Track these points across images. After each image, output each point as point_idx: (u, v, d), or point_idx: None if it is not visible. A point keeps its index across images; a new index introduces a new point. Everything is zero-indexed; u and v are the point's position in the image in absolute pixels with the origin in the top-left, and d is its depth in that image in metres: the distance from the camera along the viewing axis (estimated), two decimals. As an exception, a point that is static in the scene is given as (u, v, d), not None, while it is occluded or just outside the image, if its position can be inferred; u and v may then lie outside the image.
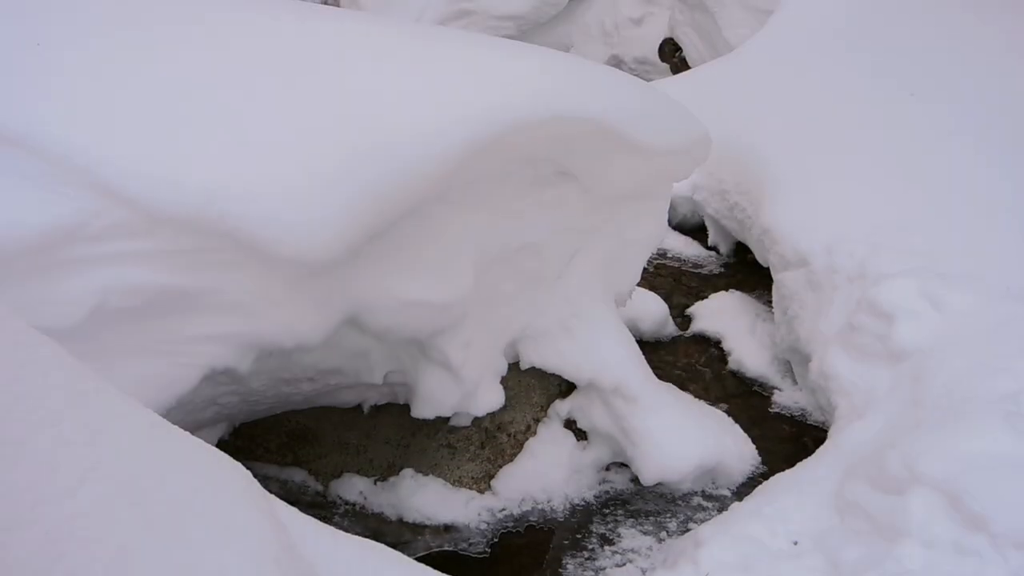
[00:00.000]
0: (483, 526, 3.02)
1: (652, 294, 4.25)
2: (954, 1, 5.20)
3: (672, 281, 4.75)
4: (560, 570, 2.87)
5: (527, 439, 3.23)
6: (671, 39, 7.49)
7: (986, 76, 4.40)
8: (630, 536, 3.01)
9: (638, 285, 3.51)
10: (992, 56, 4.53)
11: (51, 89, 2.03)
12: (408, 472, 3.08)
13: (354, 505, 3.05)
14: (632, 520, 3.08)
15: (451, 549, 2.95)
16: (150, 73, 2.14)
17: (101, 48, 2.17)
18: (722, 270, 4.88)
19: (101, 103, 2.03)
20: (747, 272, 4.69)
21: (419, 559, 2.35)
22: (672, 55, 7.56)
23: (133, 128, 2.01)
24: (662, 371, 3.69)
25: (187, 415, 2.47)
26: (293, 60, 2.32)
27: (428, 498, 3.02)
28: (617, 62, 8.27)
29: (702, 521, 3.00)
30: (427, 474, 3.09)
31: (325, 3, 10.91)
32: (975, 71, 4.46)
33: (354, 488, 3.07)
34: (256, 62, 2.28)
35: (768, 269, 4.04)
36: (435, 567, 1.88)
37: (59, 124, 1.96)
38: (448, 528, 2.99)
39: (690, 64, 7.16)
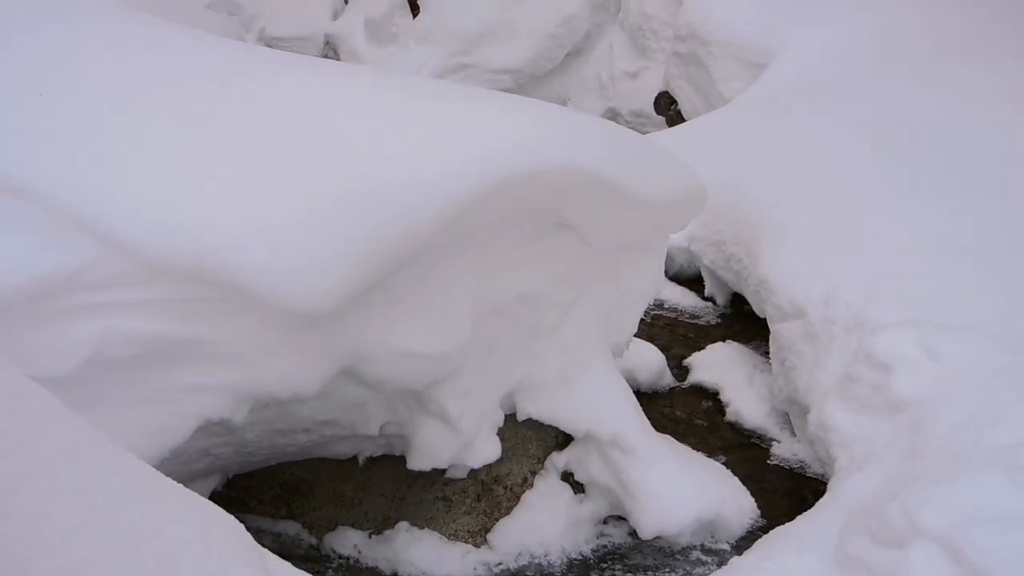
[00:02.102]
0: (479, 581, 2.97)
1: (649, 345, 4.24)
2: (948, 52, 5.29)
3: (669, 332, 4.74)
4: (557, 626, 2.83)
5: (524, 492, 3.20)
6: (666, 92, 7.59)
7: (979, 126, 4.46)
8: (629, 591, 2.97)
9: (635, 336, 3.51)
10: (985, 105, 4.60)
11: (52, 138, 2.05)
12: (403, 525, 3.04)
13: (348, 559, 3.01)
14: (631, 575, 3.04)
15: (447, 604, 2.90)
16: (150, 123, 2.16)
17: (102, 98, 2.20)
18: (719, 321, 4.88)
19: (101, 152, 2.05)
20: (744, 323, 4.70)
21: (414, 615, 2.31)
22: (668, 108, 7.65)
23: (132, 177, 2.02)
24: (660, 422, 3.66)
25: (180, 466, 2.45)
26: (292, 112, 2.35)
27: (423, 552, 2.97)
28: (613, 115, 8.37)
29: (701, 576, 2.96)
30: (422, 527, 3.05)
31: (325, 57, 11.07)
32: (968, 121, 4.52)
33: (348, 542, 3.03)
34: (256, 113, 2.31)
35: (765, 320, 4.05)
36: (430, 623, 1.85)
37: (59, 173, 1.98)
38: (444, 583, 2.94)
39: (685, 117, 7.25)
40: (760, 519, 3.27)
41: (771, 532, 2.87)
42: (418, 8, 9.53)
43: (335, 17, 11.93)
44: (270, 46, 11.49)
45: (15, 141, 2.01)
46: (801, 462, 3.63)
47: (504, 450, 3.01)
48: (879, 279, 3.55)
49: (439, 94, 2.71)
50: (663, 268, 3.39)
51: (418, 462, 2.82)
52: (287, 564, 1.60)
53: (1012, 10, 5.68)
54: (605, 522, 3.23)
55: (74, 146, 2.04)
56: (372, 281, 2.19)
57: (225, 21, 5.56)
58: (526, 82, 9.04)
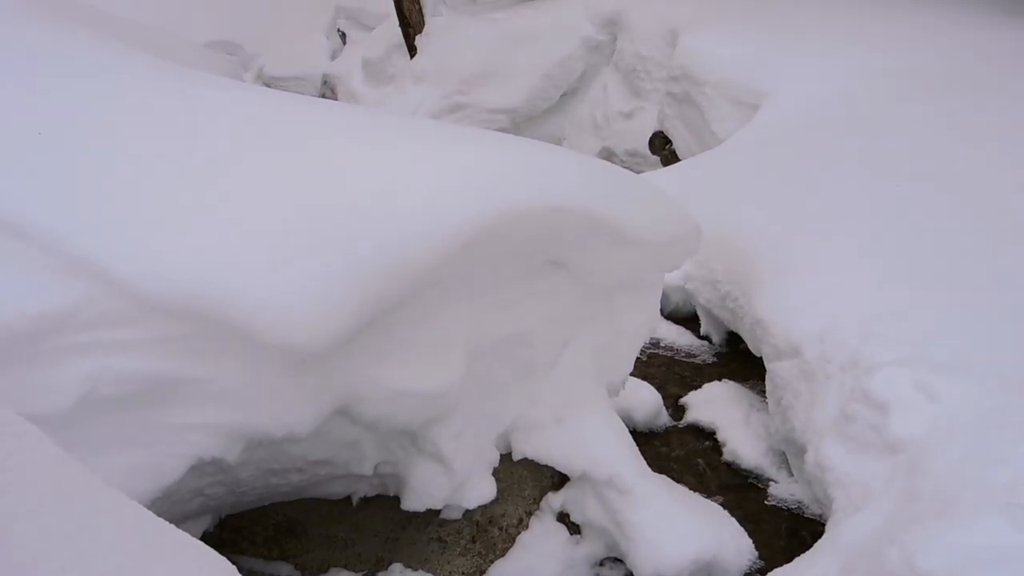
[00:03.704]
0: (474, 624, 2.93)
1: (645, 384, 4.23)
2: (940, 91, 5.35)
3: (665, 371, 4.73)
4: (553, 671, 2.78)
5: (519, 533, 3.17)
6: (661, 132, 7.65)
7: (973, 164, 4.49)
8: (625, 634, 2.93)
9: (631, 374, 3.50)
10: (978, 144, 4.64)
11: (49, 176, 2.05)
12: (397, 567, 3.01)
13: (341, 601, 2.97)
14: (627, 617, 3.00)
15: (441, 648, 2.86)
16: (146, 162, 2.17)
17: (99, 137, 2.21)
18: (715, 360, 4.88)
19: (97, 190, 2.06)
20: (740, 362, 4.69)
21: (407, 659, 2.28)
22: (662, 147, 7.71)
23: (128, 215, 2.03)
24: (656, 462, 3.64)
25: (172, 506, 2.43)
26: (288, 150, 2.36)
27: (417, 594, 2.94)
28: (608, 154, 8.43)
29: (699, 618, 2.92)
30: (416, 569, 3.01)
31: (323, 96, 11.17)
32: (962, 160, 4.55)
33: (341, 583, 3.00)
34: (251, 151, 2.32)
35: (761, 359, 4.04)
36: (424, 668, 1.82)
37: (55, 211, 1.98)
38: (438, 626, 2.90)
39: (680, 156, 7.30)
40: (758, 561, 3.24)
41: (769, 574, 2.84)
42: (415, 49, 9.64)
43: (333, 57, 12.07)
44: (268, 86, 11.59)
45: (12, 179, 2.02)
46: (799, 503, 3.61)
47: (499, 490, 2.99)
48: (874, 317, 3.56)
49: (434, 134, 2.74)
50: (659, 307, 3.39)
51: (412, 503, 2.79)
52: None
53: (1003, 50, 5.75)
54: (601, 564, 3.20)
55: (70, 184, 2.05)
56: (367, 319, 2.19)
57: (224, 61, 5.62)
58: (522, 122, 9.11)
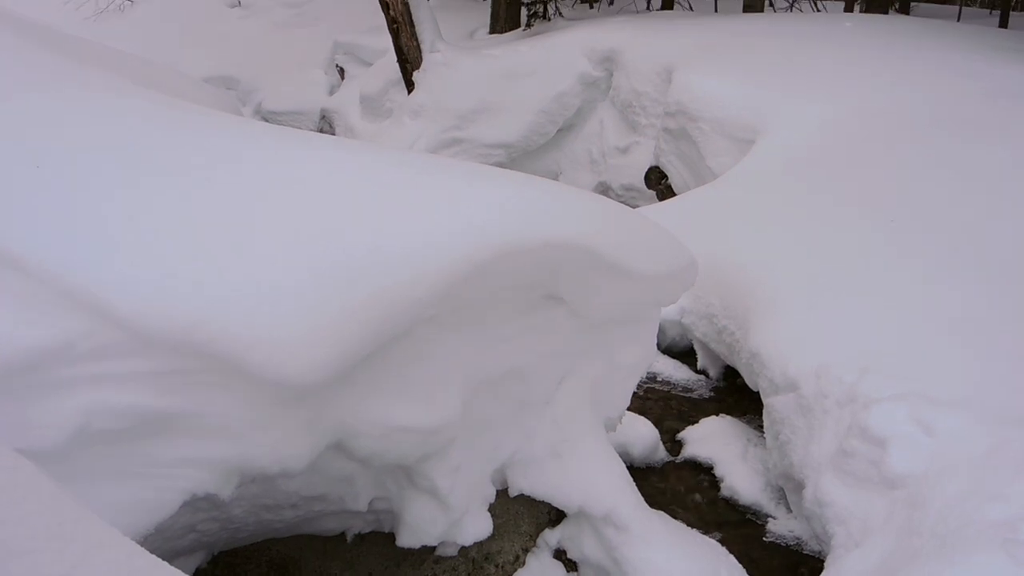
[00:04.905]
0: (469, 663, 2.89)
1: (642, 419, 4.22)
2: (935, 131, 5.40)
3: (662, 405, 4.72)
4: None
5: (516, 570, 3.13)
6: (657, 167, 7.70)
7: (968, 202, 4.52)
8: (623, 674, 2.89)
9: (628, 409, 3.49)
10: (973, 182, 4.67)
11: (47, 210, 2.05)
12: (392, 604, 2.97)
13: (335, 640, 2.93)
14: (625, 656, 2.96)
15: None
16: (143, 195, 2.18)
17: (97, 171, 2.22)
18: (712, 394, 4.87)
19: (95, 224, 2.06)
20: (737, 396, 4.68)
21: None
22: (658, 182, 7.75)
23: (124, 248, 2.03)
24: (653, 498, 3.62)
25: (165, 542, 2.40)
26: (284, 185, 2.37)
27: (412, 632, 2.90)
28: (604, 189, 8.47)
29: (698, 658, 2.88)
30: (412, 606, 2.98)
31: (321, 131, 11.24)
32: (957, 198, 4.58)
33: (335, 621, 2.95)
34: (247, 186, 2.33)
35: (758, 393, 4.03)
36: None
37: (53, 244, 1.98)
38: (433, 665, 2.86)
39: (675, 191, 7.35)
40: (757, 598, 3.21)
41: (768, 612, 2.81)
42: (413, 85, 9.72)
43: (331, 92, 12.17)
44: (266, 120, 11.67)
45: (10, 212, 2.02)
46: (798, 539, 3.58)
47: (495, 527, 2.96)
48: (871, 353, 3.56)
49: (431, 168, 2.75)
50: (655, 341, 3.39)
51: (407, 539, 2.76)
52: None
53: (999, 91, 5.81)
54: (599, 601, 3.16)
55: (69, 218, 2.05)
56: (363, 354, 2.18)
57: (222, 95, 5.65)
58: (519, 156, 9.17)
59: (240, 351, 1.98)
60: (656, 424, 4.26)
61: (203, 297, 1.99)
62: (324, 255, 2.17)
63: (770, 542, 3.60)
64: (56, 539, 1.14)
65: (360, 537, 3.01)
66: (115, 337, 1.95)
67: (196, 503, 2.25)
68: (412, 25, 9.62)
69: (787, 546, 3.57)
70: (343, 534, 2.99)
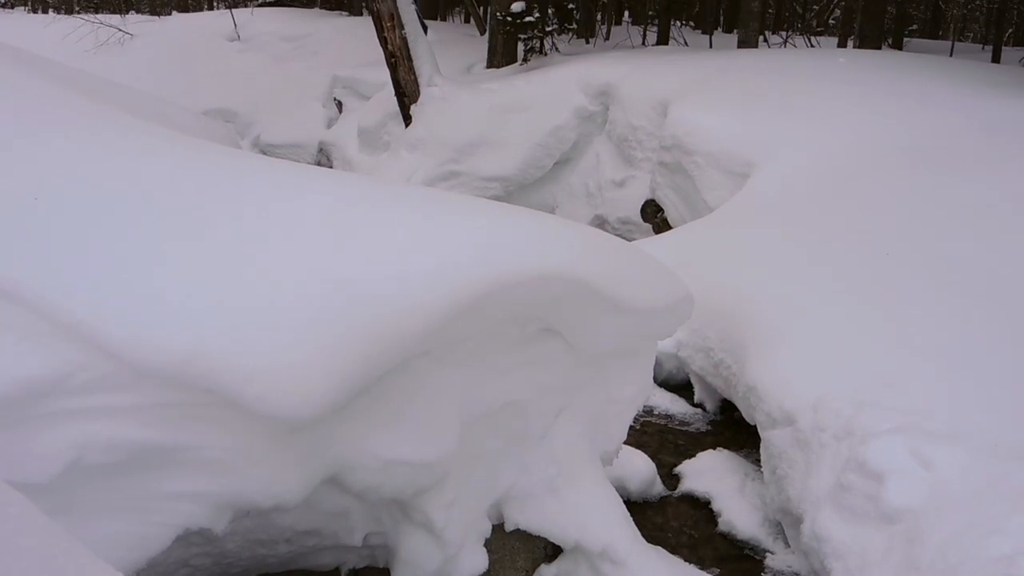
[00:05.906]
0: None
1: (639, 452, 4.19)
2: (930, 164, 5.44)
3: (659, 439, 4.70)
4: None
5: (512, 605, 3.10)
6: (653, 200, 7.74)
7: (963, 235, 4.54)
8: None
9: (625, 443, 3.47)
10: (968, 216, 4.69)
11: (44, 242, 2.06)
12: (386, 641, 2.93)
13: (328, 677, 2.89)
14: None
15: None
16: (139, 228, 2.18)
17: (94, 204, 2.23)
18: (709, 428, 4.85)
19: (91, 257, 2.06)
20: (734, 430, 4.66)
21: None
22: (654, 215, 7.79)
23: (120, 281, 2.03)
24: (651, 533, 3.59)
25: (157, 578, 2.37)
26: (281, 218, 2.38)
27: (407, 670, 2.85)
28: (601, 222, 8.50)
29: None
30: (406, 643, 2.94)
31: (318, 163, 11.30)
32: (951, 231, 4.60)
33: (329, 658, 2.92)
34: (243, 219, 2.33)
35: (755, 427, 4.02)
36: None
37: (49, 276, 1.98)
38: None
39: (671, 224, 7.38)
40: (755, 635, 3.17)
41: (767, 649, 2.78)
42: (410, 118, 9.79)
43: (329, 125, 12.26)
44: (264, 153, 11.74)
45: (7, 244, 2.03)
46: (796, 574, 3.55)
47: (491, 562, 2.93)
48: (867, 386, 3.56)
49: (427, 202, 2.76)
50: (652, 375, 3.38)
51: (403, 574, 2.74)
52: None
53: (992, 125, 5.87)
54: (595, 638, 3.12)
55: (65, 250, 2.06)
56: (358, 388, 2.17)
57: (221, 128, 5.69)
58: (515, 190, 9.22)
59: (234, 385, 1.97)
60: (653, 458, 4.24)
61: (196, 331, 1.99)
62: (319, 288, 2.17)
63: (768, 578, 3.57)
64: (47, 573, 1.13)
65: (354, 572, 2.98)
66: (109, 370, 1.94)
67: (189, 537, 2.23)
68: (410, 59, 9.71)
69: (785, 582, 3.54)
70: (337, 569, 2.96)
